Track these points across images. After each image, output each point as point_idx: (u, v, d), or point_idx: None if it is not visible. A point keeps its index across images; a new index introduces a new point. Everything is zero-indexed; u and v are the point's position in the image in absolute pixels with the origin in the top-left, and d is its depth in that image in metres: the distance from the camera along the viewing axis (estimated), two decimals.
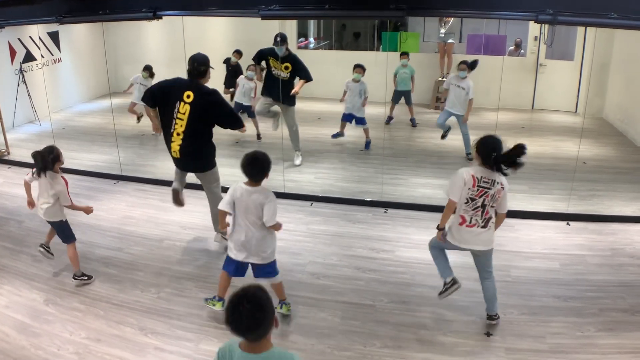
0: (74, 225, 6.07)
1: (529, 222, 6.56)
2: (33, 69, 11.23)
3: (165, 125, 5.58)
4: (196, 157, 5.63)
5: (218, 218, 5.03)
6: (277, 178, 7.70)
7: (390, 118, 10.55)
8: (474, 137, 8.74)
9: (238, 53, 11.02)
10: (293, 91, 8.20)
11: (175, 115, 5.43)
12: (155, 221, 6.29)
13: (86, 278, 5.41)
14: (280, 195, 7.07)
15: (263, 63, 8.46)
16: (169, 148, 5.63)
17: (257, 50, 8.41)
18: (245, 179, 4.43)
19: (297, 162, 8.52)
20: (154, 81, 9.91)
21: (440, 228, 4.59)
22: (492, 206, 4.37)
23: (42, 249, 5.57)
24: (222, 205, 4.46)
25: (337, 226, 6.61)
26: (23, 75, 10.81)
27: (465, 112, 8.40)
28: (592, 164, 8.44)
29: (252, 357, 2.54)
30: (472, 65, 8.53)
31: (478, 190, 4.32)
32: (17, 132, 10.57)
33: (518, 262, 5.67)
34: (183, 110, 5.39)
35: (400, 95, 10.43)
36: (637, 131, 9.46)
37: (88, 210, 5.41)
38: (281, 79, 8.24)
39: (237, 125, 5.57)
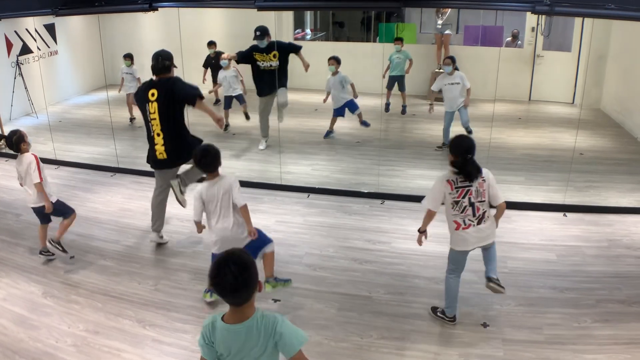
0: None
1: (525, 213, 6.57)
2: (29, 61, 11.19)
3: (147, 133, 5.62)
4: (181, 148, 5.58)
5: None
6: (274, 170, 7.70)
7: (387, 104, 10.52)
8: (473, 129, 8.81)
9: (213, 44, 10.97)
10: (307, 68, 8.52)
11: (149, 118, 5.49)
12: None
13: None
14: (277, 187, 7.13)
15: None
16: (154, 153, 5.61)
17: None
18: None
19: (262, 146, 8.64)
20: (135, 66, 9.98)
21: (421, 231, 4.56)
22: (481, 202, 4.29)
23: (44, 254, 5.61)
24: (196, 217, 4.63)
25: (334, 218, 6.62)
26: (19, 68, 10.77)
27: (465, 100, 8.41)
28: (589, 155, 8.44)
29: (233, 327, 2.57)
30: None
31: (458, 191, 4.26)
32: (14, 124, 10.50)
33: (515, 254, 5.68)
34: (152, 109, 5.45)
35: (394, 81, 10.38)
36: (635, 122, 9.46)
37: (48, 208, 5.38)
38: (272, 69, 8.31)
39: (197, 92, 5.49)
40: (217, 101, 11.34)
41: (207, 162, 4.53)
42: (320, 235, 6.20)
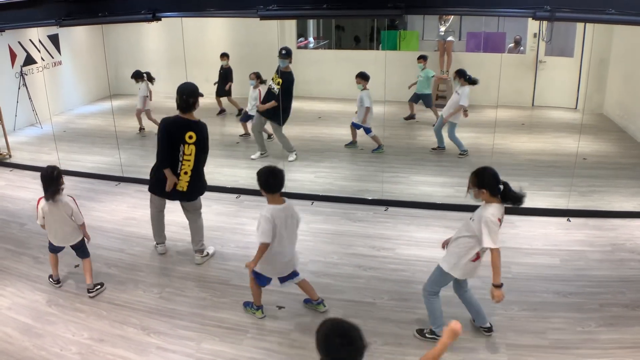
0: None
1: (529, 218, 6.56)
2: (34, 72, 11.27)
3: (172, 169, 5.55)
4: (199, 184, 5.72)
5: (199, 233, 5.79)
6: None
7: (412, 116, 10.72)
8: (470, 134, 8.82)
9: (226, 56, 11.02)
10: (260, 107, 8.45)
11: (181, 159, 5.47)
12: None
13: (100, 287, 5.33)
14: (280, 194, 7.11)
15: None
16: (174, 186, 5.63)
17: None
18: (270, 202, 4.53)
19: (292, 158, 8.65)
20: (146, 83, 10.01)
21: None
22: None
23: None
24: (267, 239, 4.43)
25: (338, 225, 6.63)
26: (24, 79, 10.85)
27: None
28: (592, 159, 8.44)
29: None
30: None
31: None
32: (19, 135, 10.60)
33: (518, 259, 5.68)
34: (188, 151, 5.45)
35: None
36: (637, 127, 9.46)
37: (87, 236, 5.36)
38: (273, 92, 8.35)
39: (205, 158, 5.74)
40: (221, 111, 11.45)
41: (274, 182, 4.46)
42: (324, 242, 6.21)
